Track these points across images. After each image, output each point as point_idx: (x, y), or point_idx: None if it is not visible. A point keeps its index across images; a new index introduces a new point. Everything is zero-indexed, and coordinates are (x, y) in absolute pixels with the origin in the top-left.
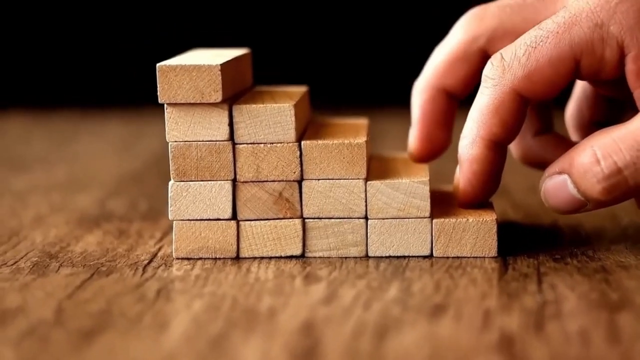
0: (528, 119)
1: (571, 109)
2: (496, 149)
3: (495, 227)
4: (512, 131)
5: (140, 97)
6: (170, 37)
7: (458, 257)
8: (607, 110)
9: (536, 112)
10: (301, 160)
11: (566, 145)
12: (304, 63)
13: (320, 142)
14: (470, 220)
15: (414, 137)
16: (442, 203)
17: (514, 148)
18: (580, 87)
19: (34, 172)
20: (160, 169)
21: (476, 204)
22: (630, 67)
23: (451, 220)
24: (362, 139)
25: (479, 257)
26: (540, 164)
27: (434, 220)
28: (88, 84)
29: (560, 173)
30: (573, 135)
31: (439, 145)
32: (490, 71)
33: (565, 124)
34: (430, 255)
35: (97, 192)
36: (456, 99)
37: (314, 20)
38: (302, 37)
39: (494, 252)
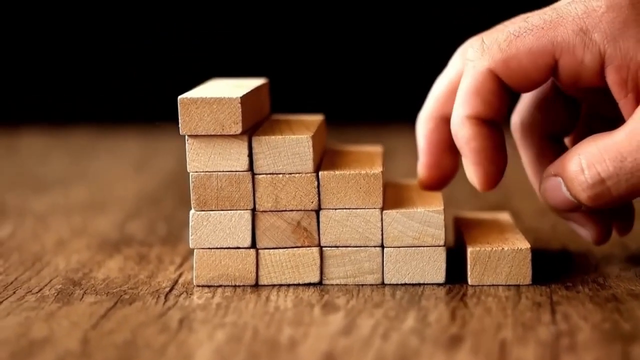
0: (552, 114)
1: (521, 119)
2: (485, 125)
3: (530, 255)
4: (496, 109)
5: (155, 113)
6: (185, 55)
7: (474, 285)
8: (565, 120)
9: (562, 106)
10: (319, 190)
11: None
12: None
13: (337, 172)
14: (506, 249)
15: (422, 166)
16: (473, 230)
17: (526, 155)
18: (535, 96)
19: (54, 193)
20: (177, 189)
21: (494, 183)
22: (613, 77)
23: (486, 249)
24: (378, 169)
25: (513, 285)
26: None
27: (469, 249)
28: (105, 100)
29: (555, 175)
30: (521, 146)
31: (448, 172)
32: (470, 53)
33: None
34: (445, 283)
35: (116, 214)
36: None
37: (321, 37)
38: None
39: (528, 280)
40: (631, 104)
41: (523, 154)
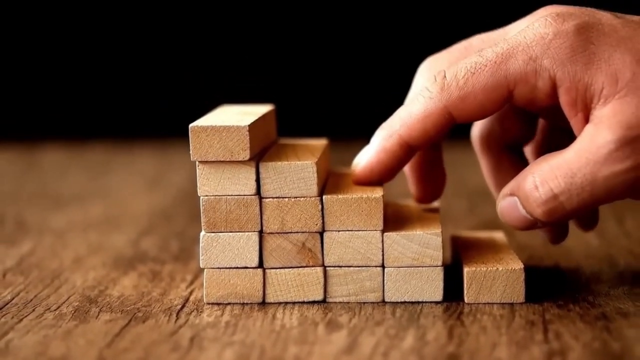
0: (511, 124)
1: (481, 130)
2: (407, 150)
3: (523, 275)
4: (428, 141)
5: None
6: (197, 75)
7: (470, 303)
8: (522, 132)
9: (521, 119)
10: (323, 213)
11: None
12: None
13: (340, 196)
14: (500, 269)
15: (367, 168)
16: (469, 250)
17: (484, 161)
18: None
19: (72, 209)
20: (188, 206)
21: (429, 199)
22: (564, 98)
23: (482, 269)
24: (378, 193)
25: (507, 303)
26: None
27: (466, 269)
28: (119, 117)
29: (511, 195)
30: (481, 156)
31: (384, 181)
32: (431, 85)
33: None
34: (442, 301)
35: (130, 230)
36: (415, 151)
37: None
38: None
39: (521, 298)
40: (581, 122)
41: (483, 164)
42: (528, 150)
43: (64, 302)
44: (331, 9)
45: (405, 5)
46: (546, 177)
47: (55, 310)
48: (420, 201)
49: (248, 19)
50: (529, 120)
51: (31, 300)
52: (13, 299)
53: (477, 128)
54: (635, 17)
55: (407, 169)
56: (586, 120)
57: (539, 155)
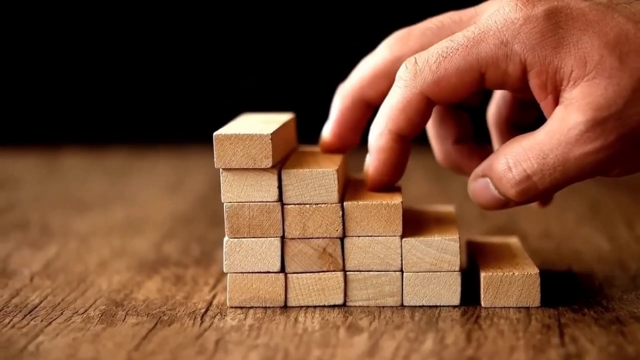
0: (449, 127)
1: (492, 111)
2: (401, 141)
3: (539, 280)
4: (416, 127)
5: (186, 136)
6: (216, 83)
7: (486, 307)
8: (522, 112)
9: (456, 122)
10: (344, 219)
11: (480, 153)
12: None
13: (361, 202)
14: (516, 274)
15: (328, 133)
16: (485, 255)
17: (437, 154)
18: (499, 91)
19: (94, 214)
20: (208, 210)
21: (383, 188)
22: (534, 81)
23: (498, 274)
24: (398, 200)
25: (523, 307)
26: (458, 169)
27: (483, 274)
28: (139, 123)
29: (483, 176)
30: (493, 134)
31: (349, 145)
32: (403, 73)
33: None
34: (459, 305)
35: (152, 234)
36: (372, 107)
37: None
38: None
39: (537, 302)
40: (551, 104)
41: (497, 144)
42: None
43: (91, 306)
44: (350, 18)
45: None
46: (519, 158)
47: (82, 313)
48: (327, 151)
49: (268, 28)
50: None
51: (59, 303)
52: (41, 302)
53: (490, 111)
54: (603, 0)
55: (333, 119)
56: (556, 102)
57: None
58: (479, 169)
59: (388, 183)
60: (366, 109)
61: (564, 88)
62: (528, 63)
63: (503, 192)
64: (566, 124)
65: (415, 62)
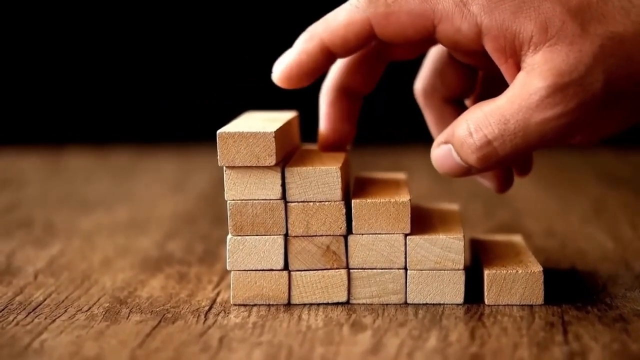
0: (445, 80)
1: (423, 85)
2: (326, 53)
3: (542, 278)
4: (347, 49)
5: (189, 135)
6: (220, 83)
7: (490, 305)
8: (462, 85)
9: (456, 76)
10: (351, 217)
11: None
12: None
13: (369, 200)
14: (520, 272)
15: (322, 129)
16: (489, 253)
17: (427, 116)
18: (433, 64)
19: (97, 213)
20: (211, 209)
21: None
22: (492, 45)
23: (502, 272)
24: (406, 197)
25: (527, 304)
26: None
27: (486, 272)
28: (142, 122)
29: (445, 143)
30: (424, 110)
31: (344, 136)
32: None
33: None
34: (463, 303)
35: (155, 233)
36: (359, 95)
37: None
38: None
39: (540, 300)
40: (512, 69)
41: (427, 117)
42: (470, 104)
43: (94, 303)
44: None
45: None
46: (480, 123)
47: (86, 311)
48: (325, 148)
49: (271, 26)
50: (469, 74)
51: (63, 301)
52: (45, 299)
53: (420, 83)
54: None
55: (322, 114)
56: (517, 66)
57: None
58: (441, 136)
59: (293, 85)
60: (353, 98)
61: (525, 53)
62: (484, 26)
63: (464, 158)
64: (527, 89)
65: None
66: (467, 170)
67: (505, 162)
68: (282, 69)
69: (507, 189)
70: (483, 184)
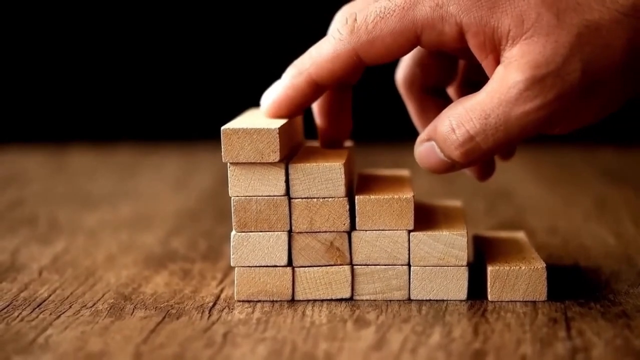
0: (425, 70)
1: (404, 74)
2: (315, 88)
3: (545, 274)
4: (335, 81)
5: (192, 132)
6: (223, 79)
7: (493, 301)
8: (443, 74)
9: (436, 65)
10: (355, 213)
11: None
12: None
13: (373, 197)
14: (523, 268)
15: (318, 124)
16: (492, 249)
17: (409, 105)
18: (413, 53)
19: (101, 210)
20: (214, 206)
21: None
22: (472, 42)
23: (505, 268)
24: (409, 194)
25: (529, 300)
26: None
27: (489, 268)
28: (145, 119)
29: (428, 140)
30: (406, 100)
31: (342, 127)
32: (342, 27)
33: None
34: (466, 299)
35: (159, 230)
36: (349, 87)
37: None
38: None
39: (544, 296)
40: (492, 64)
41: (409, 107)
42: (451, 92)
43: (99, 299)
44: None
45: None
46: (462, 119)
47: (91, 307)
48: (326, 144)
49: (274, 24)
50: (449, 63)
51: (67, 297)
52: (50, 296)
53: (401, 73)
54: None
55: (315, 110)
56: (497, 62)
57: (462, 95)
58: (424, 133)
59: (281, 117)
60: (343, 91)
61: (504, 47)
62: (464, 24)
63: (448, 154)
64: (506, 83)
65: (355, 19)
66: (451, 166)
67: (489, 156)
68: (270, 103)
69: (489, 177)
70: (465, 172)
